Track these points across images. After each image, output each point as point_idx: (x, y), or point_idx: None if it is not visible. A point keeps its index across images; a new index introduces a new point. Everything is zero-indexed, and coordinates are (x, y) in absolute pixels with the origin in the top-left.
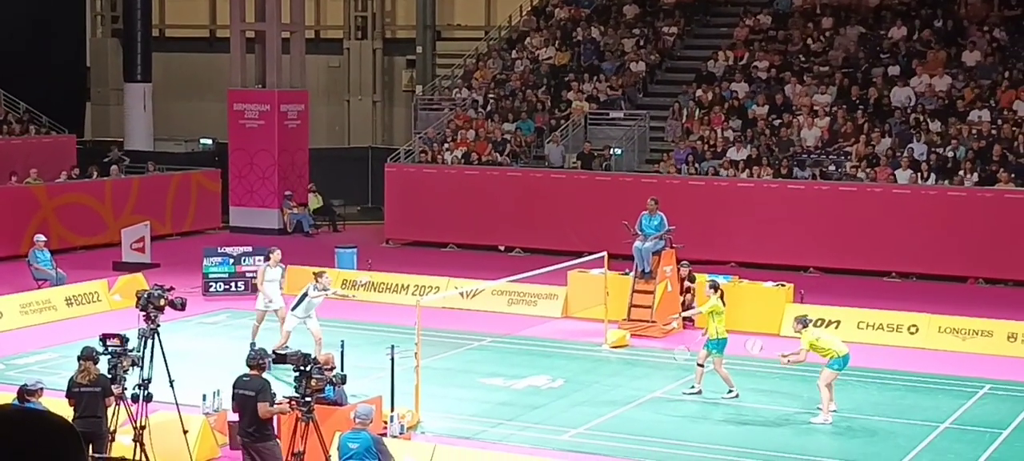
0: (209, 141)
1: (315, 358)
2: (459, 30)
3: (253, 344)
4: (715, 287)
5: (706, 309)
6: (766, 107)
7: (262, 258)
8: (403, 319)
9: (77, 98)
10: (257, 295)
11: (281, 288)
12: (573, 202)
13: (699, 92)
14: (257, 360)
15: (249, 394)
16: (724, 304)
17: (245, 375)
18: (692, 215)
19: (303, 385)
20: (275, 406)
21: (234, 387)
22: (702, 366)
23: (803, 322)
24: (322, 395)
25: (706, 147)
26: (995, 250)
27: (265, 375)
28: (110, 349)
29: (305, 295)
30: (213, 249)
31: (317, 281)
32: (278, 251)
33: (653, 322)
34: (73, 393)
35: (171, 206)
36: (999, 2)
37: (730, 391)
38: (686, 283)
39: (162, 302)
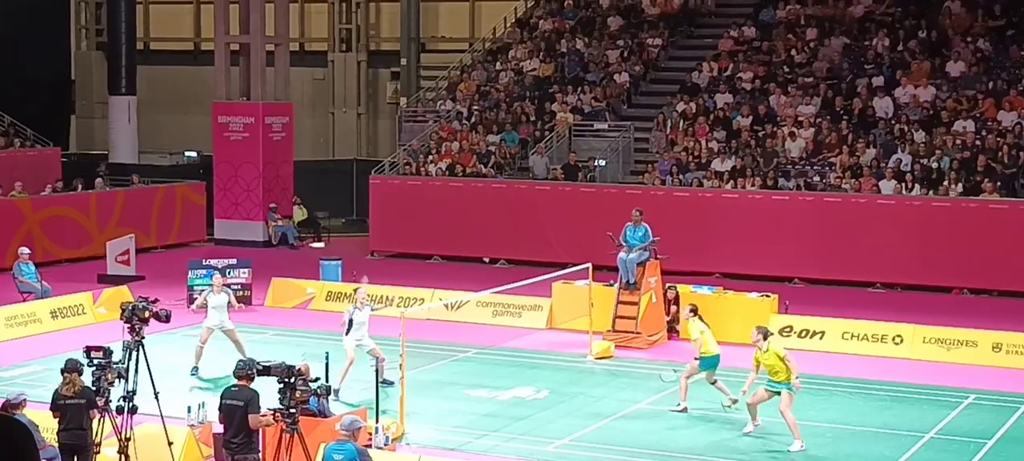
0: (194, 154)
1: (300, 369)
2: (443, 42)
3: (196, 368)
4: (694, 310)
5: (695, 336)
6: (750, 118)
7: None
8: (388, 331)
9: (62, 111)
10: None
11: (228, 310)
12: (558, 213)
13: (683, 103)
14: (246, 371)
15: (238, 404)
16: (705, 323)
17: (233, 385)
18: (677, 226)
19: (288, 397)
20: (261, 417)
21: (222, 397)
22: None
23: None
24: (306, 406)
25: (690, 158)
26: (980, 260)
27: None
28: (94, 361)
29: (351, 321)
30: (198, 261)
31: (357, 303)
32: (218, 275)
33: (638, 333)
34: (58, 405)
35: (156, 219)
36: (983, 13)
37: (679, 404)
38: (672, 305)
39: (147, 314)
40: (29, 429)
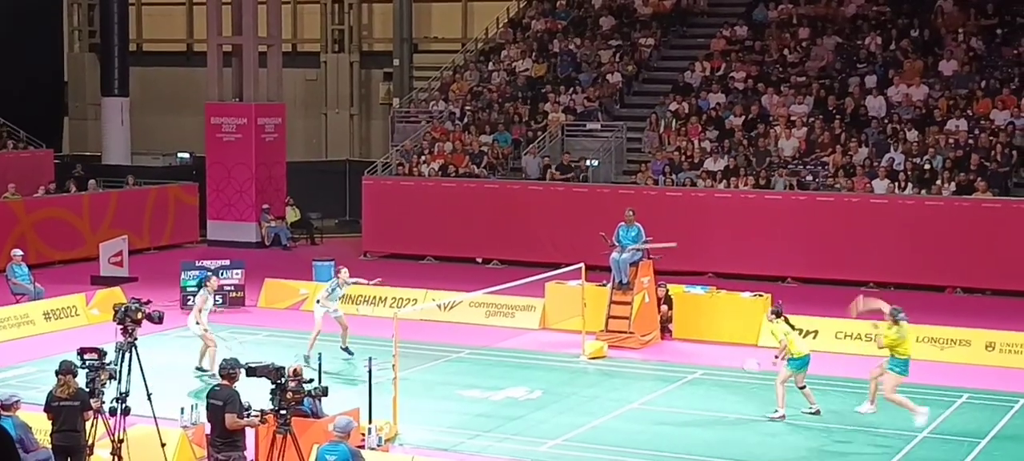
0: (187, 155)
1: (295, 370)
2: (436, 42)
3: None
4: (779, 313)
5: (781, 338)
6: (743, 118)
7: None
8: (381, 331)
9: (55, 113)
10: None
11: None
12: (550, 214)
13: (676, 103)
14: (228, 371)
15: (218, 404)
16: (792, 326)
17: (217, 385)
18: (669, 226)
19: (278, 398)
20: (246, 418)
21: (206, 397)
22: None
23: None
24: (299, 407)
25: (683, 158)
26: (973, 259)
27: (236, 386)
28: (88, 363)
29: (332, 290)
30: (191, 263)
31: (338, 277)
32: (214, 278)
33: (631, 333)
34: (52, 407)
35: (149, 220)
36: (975, 12)
37: (776, 410)
38: (663, 306)
39: (140, 316)
40: (11, 435)
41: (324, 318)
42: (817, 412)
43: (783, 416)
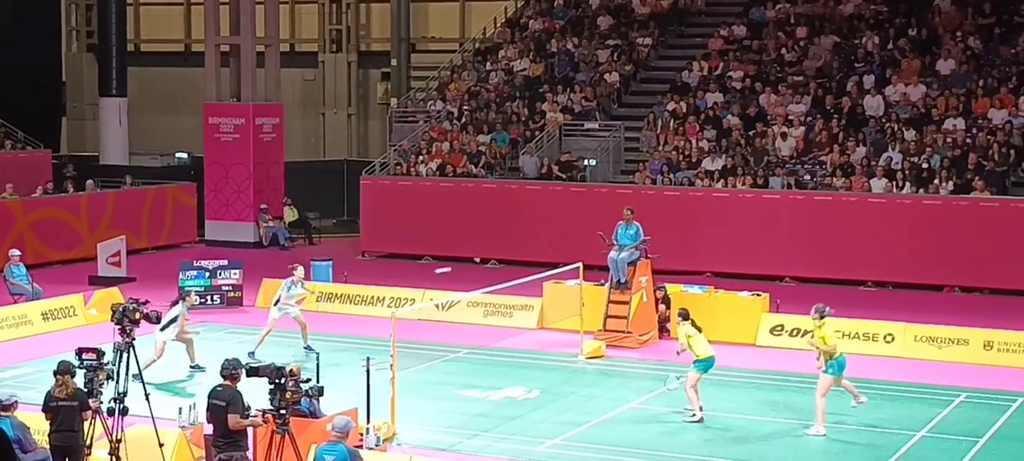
0: (184, 155)
1: (292, 370)
2: (433, 42)
3: (198, 365)
4: (685, 316)
5: (682, 341)
6: (740, 117)
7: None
8: (379, 331)
9: (53, 113)
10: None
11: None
12: (548, 213)
13: (673, 103)
14: (231, 371)
15: (220, 404)
16: (698, 328)
17: (219, 385)
18: (668, 225)
19: (278, 398)
20: (248, 418)
21: (208, 397)
22: (696, 390)
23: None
24: (297, 407)
25: (681, 157)
26: (971, 258)
27: (239, 386)
28: (86, 363)
29: (288, 288)
30: (189, 263)
31: (293, 277)
32: (193, 295)
33: (629, 332)
34: (50, 407)
35: (147, 220)
36: (973, 11)
37: (693, 413)
38: (661, 306)
39: (138, 316)
40: (9, 435)
41: (281, 316)
42: (701, 414)
43: (701, 419)
